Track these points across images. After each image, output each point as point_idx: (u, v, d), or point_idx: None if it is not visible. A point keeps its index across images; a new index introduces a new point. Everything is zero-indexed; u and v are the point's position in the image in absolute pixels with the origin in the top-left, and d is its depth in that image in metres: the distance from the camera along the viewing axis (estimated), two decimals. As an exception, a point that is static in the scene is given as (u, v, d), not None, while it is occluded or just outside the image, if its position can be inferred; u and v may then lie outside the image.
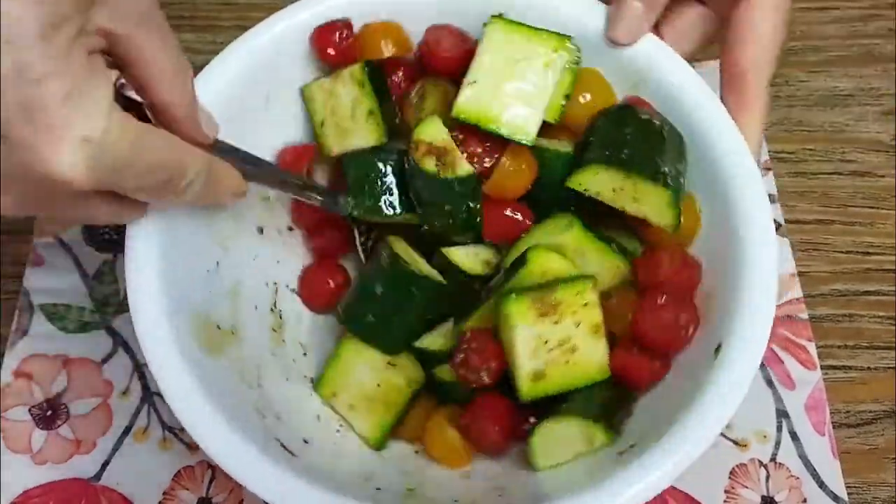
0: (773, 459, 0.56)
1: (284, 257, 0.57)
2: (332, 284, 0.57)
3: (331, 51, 0.53)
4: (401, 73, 0.55)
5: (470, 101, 0.49)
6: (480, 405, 0.50)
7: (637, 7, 0.50)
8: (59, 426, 0.56)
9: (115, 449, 0.55)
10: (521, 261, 0.47)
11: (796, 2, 0.55)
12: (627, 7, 0.51)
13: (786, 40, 0.51)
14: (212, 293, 0.50)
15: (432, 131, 0.50)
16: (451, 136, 0.50)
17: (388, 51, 0.53)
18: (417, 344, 0.52)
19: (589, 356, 0.46)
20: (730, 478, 0.55)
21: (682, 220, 0.48)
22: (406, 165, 0.51)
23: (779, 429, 0.56)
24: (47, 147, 0.34)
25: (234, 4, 0.72)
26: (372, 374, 0.52)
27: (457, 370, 0.48)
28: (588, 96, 0.52)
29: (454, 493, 0.48)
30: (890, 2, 0.74)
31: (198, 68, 0.68)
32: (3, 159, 0.34)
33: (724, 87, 0.52)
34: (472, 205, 0.50)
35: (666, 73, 0.51)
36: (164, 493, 0.54)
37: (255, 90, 0.53)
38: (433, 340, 0.52)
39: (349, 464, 0.50)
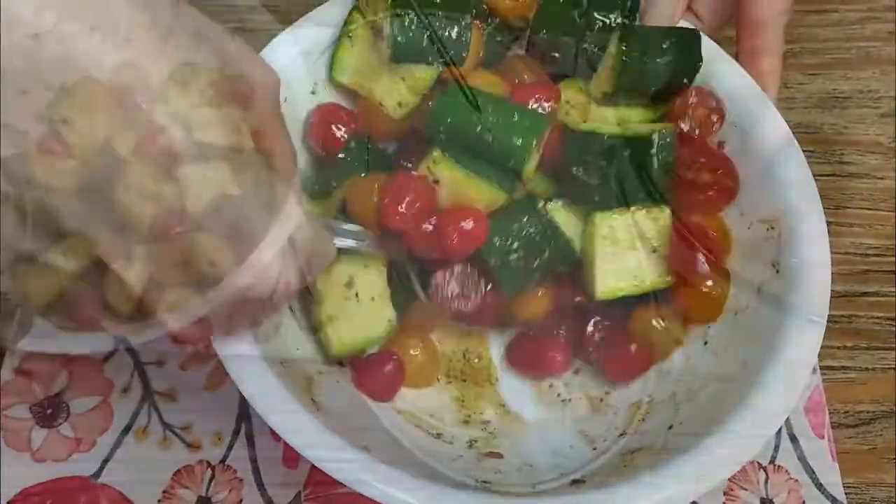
0: (772, 462, 0.56)
1: None
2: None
3: None
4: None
5: None
6: None
7: None
8: (59, 424, 0.56)
9: (116, 447, 0.55)
10: None
11: (794, 4, 0.56)
12: None
13: None
14: None
15: None
16: None
17: None
18: None
19: None
20: (728, 480, 0.55)
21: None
22: None
23: (777, 431, 0.56)
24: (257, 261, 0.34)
25: (235, 6, 0.73)
26: None
27: None
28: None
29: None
30: (888, 4, 0.74)
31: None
32: (212, 288, 0.34)
33: (742, 36, 0.53)
34: None
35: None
36: (164, 492, 0.54)
37: None
38: None
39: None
